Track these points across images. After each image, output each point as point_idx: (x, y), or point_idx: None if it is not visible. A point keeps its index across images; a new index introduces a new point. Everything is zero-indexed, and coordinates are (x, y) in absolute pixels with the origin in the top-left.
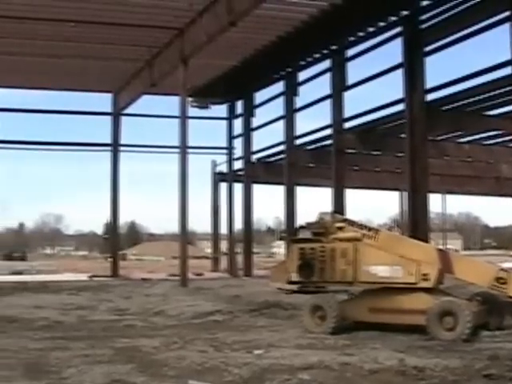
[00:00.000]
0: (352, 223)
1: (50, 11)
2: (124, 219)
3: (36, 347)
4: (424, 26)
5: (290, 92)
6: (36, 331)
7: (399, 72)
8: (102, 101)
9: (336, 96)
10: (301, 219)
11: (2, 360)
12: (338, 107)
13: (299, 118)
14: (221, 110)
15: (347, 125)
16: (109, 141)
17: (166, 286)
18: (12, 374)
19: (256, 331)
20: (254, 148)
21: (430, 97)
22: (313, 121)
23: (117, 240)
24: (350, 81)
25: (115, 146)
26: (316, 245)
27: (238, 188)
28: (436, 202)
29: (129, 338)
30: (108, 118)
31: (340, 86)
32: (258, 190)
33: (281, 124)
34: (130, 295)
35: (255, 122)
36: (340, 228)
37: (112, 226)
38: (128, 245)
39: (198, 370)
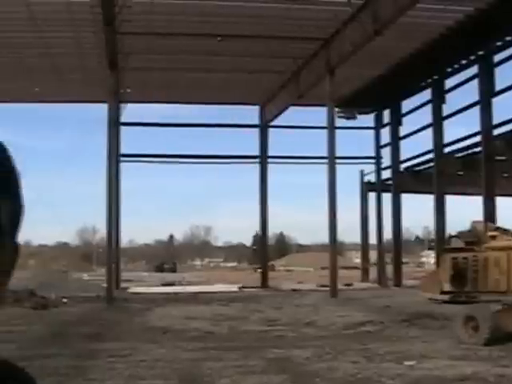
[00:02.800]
0: (505, 232)
1: (196, 26)
2: (272, 230)
3: (189, 357)
4: None
5: (438, 99)
6: (188, 342)
7: None
8: (250, 113)
9: (484, 102)
10: (451, 228)
11: (156, 370)
12: (486, 113)
13: (447, 125)
14: (367, 119)
15: (497, 131)
16: (257, 153)
17: (316, 296)
18: None
19: (408, 342)
20: (402, 157)
21: None
22: (461, 128)
23: (266, 251)
24: (499, 86)
25: (263, 158)
26: (469, 254)
27: (387, 197)
28: None
29: (280, 349)
30: (255, 131)
31: (488, 92)
32: (406, 198)
33: (429, 132)
34: (280, 306)
35: (402, 130)
36: (493, 237)
37: (261, 237)
38: (276, 256)
39: (350, 382)
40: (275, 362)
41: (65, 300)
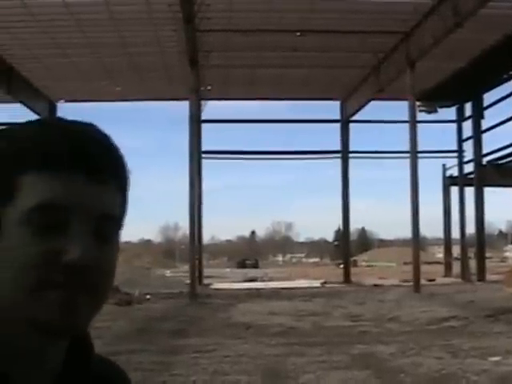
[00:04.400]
0: None
1: (276, 22)
2: (354, 225)
3: (272, 353)
4: None
5: None
6: (271, 337)
7: None
8: (330, 108)
9: None
10: None
11: (240, 366)
12: None
13: None
14: (449, 113)
15: None
16: (338, 148)
17: (399, 291)
18: (250, 380)
19: (492, 337)
20: (485, 150)
21: None
22: None
23: (348, 246)
24: None
25: (344, 153)
26: None
27: (469, 191)
28: None
29: (364, 344)
30: (336, 126)
31: None
32: (489, 192)
33: (511, 125)
34: (362, 301)
35: (485, 123)
36: None
37: (343, 233)
38: (359, 251)
39: (435, 377)
40: (359, 358)
41: (148, 296)
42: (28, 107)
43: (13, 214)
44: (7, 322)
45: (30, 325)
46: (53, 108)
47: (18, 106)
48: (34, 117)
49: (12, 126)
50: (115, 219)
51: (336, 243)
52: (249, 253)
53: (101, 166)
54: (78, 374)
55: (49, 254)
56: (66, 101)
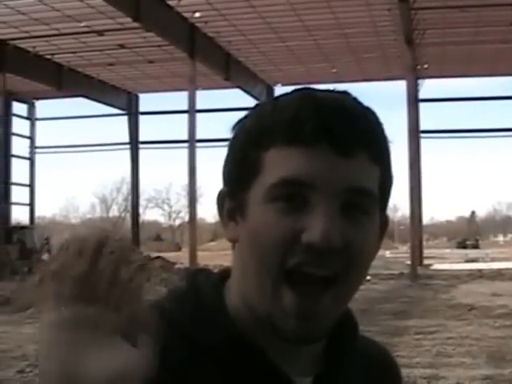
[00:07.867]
0: None
1: None
2: None
3: (496, 335)
4: None
5: None
6: (495, 319)
7: None
8: None
9: None
10: None
11: (464, 348)
12: None
13: None
14: None
15: None
16: None
17: None
18: (474, 362)
19: None
20: None
21: None
22: None
23: None
24: None
25: None
26: None
27: None
28: None
29: None
30: None
31: None
32: None
33: None
34: None
35: None
36: None
37: None
38: None
39: None
40: None
41: (368, 277)
42: (246, 92)
43: (257, 191)
44: (255, 315)
45: (270, 326)
46: (270, 92)
47: (237, 90)
48: (251, 101)
49: (263, 102)
50: (369, 193)
51: None
52: (468, 233)
53: (348, 139)
54: (345, 353)
55: (290, 233)
56: (283, 84)
